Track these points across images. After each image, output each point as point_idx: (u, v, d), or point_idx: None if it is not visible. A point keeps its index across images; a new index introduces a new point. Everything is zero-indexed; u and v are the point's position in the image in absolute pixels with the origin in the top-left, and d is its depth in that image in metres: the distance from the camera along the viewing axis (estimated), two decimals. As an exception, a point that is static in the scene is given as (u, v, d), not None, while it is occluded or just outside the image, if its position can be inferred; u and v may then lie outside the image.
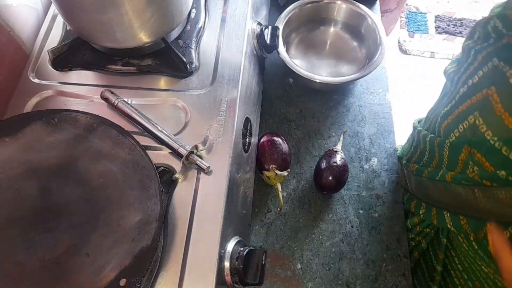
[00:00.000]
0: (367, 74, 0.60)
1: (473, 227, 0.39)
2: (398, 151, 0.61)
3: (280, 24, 0.64)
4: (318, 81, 0.59)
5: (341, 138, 0.60)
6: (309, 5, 0.67)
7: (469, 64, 0.39)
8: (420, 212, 0.50)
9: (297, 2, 0.66)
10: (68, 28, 0.50)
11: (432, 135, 0.46)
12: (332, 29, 0.70)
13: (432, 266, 0.52)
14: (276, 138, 0.56)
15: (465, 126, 0.38)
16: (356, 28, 0.69)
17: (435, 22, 1.90)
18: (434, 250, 0.51)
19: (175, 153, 0.40)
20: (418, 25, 1.90)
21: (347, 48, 0.69)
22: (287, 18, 0.65)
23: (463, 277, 0.47)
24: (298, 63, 0.61)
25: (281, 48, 0.62)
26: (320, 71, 0.66)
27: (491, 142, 0.34)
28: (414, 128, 0.53)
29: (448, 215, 0.43)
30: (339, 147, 0.59)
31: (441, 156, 0.43)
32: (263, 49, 0.55)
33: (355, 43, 0.69)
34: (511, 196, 0.33)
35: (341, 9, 0.68)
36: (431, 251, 0.53)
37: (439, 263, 0.50)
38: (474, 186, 0.37)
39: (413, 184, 0.52)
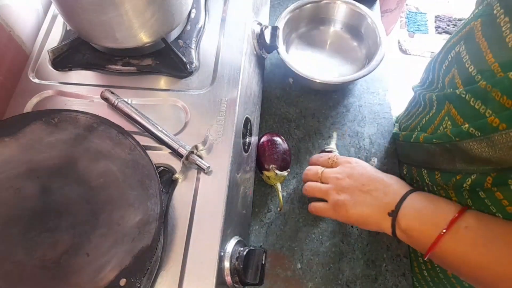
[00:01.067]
0: (367, 74, 0.60)
1: (444, 179, 0.42)
2: (394, 120, 0.64)
3: (280, 24, 0.64)
4: (318, 81, 0.59)
5: (334, 135, 0.61)
6: (309, 5, 0.67)
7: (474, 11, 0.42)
8: (404, 172, 0.54)
9: (297, 2, 0.66)
10: (68, 28, 0.50)
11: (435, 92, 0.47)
12: (332, 29, 0.70)
13: None
14: (276, 138, 0.56)
15: (452, 55, 0.41)
16: (356, 28, 0.69)
17: (435, 22, 1.90)
18: None
19: (175, 153, 0.40)
20: (418, 25, 1.90)
21: (347, 48, 0.69)
22: (287, 18, 0.65)
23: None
24: (298, 63, 0.61)
25: (281, 48, 0.62)
26: (320, 71, 0.66)
27: (460, 94, 0.37)
28: (415, 91, 0.55)
29: (426, 171, 0.47)
30: (333, 145, 0.59)
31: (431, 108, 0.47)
32: (263, 49, 0.55)
33: (355, 43, 0.69)
34: (470, 147, 0.36)
35: (341, 9, 0.68)
36: None
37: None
38: (445, 142, 0.40)
39: (399, 151, 0.58)
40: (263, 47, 0.55)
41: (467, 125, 0.36)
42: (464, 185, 0.38)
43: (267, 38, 0.54)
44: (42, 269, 0.31)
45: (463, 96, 0.37)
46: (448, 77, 0.42)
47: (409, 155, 0.53)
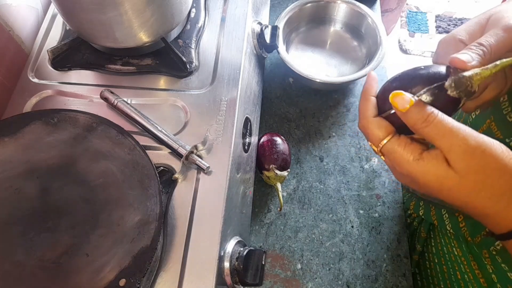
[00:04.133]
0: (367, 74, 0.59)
1: (470, 230, 0.39)
2: None
3: (280, 23, 0.64)
4: (318, 81, 0.59)
5: None
6: (309, 4, 0.67)
7: None
8: (420, 213, 0.50)
9: (297, 2, 0.66)
10: (67, 28, 0.50)
11: None
12: (332, 28, 0.70)
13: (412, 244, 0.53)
14: (276, 138, 0.56)
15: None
16: (356, 27, 0.69)
17: (436, 21, 1.90)
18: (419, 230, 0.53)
19: (175, 153, 0.40)
20: (419, 24, 1.90)
21: (347, 47, 0.69)
22: (287, 17, 0.65)
23: (434, 260, 0.48)
24: (298, 63, 0.61)
25: (281, 48, 0.62)
26: (320, 71, 0.66)
27: (504, 112, 0.34)
28: None
29: (447, 215, 0.43)
30: None
31: None
32: (263, 49, 0.55)
33: (355, 43, 0.69)
34: None
35: (341, 9, 0.68)
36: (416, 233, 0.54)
37: (419, 242, 0.51)
38: None
39: None
40: (263, 46, 0.54)
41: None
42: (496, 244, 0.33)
43: (267, 38, 0.54)
44: (42, 269, 0.31)
45: (504, 113, 0.34)
46: (481, 128, 0.39)
47: None
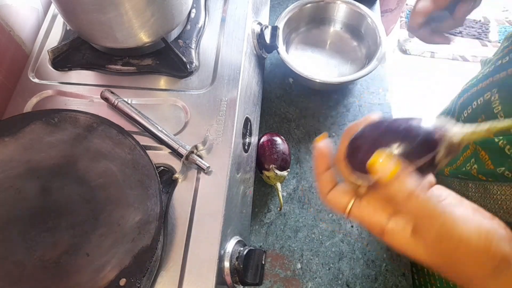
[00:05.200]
0: (367, 74, 0.60)
1: None
2: None
3: (280, 24, 0.64)
4: (318, 81, 0.59)
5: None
6: (309, 5, 0.67)
7: (505, 47, 0.39)
8: None
9: (297, 2, 0.66)
10: (68, 28, 0.50)
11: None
12: (332, 29, 0.70)
13: None
14: (276, 138, 0.56)
15: (478, 103, 0.38)
16: (356, 28, 0.69)
17: (435, 22, 1.90)
18: None
19: (175, 153, 0.40)
20: (418, 25, 1.89)
21: (347, 48, 0.69)
22: (287, 17, 0.65)
23: None
24: (298, 63, 0.61)
25: (281, 48, 0.62)
26: (320, 71, 0.66)
27: (496, 140, 0.34)
28: None
29: None
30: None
31: None
32: (263, 49, 0.55)
33: (355, 43, 0.69)
34: (502, 192, 0.33)
35: (341, 9, 0.68)
36: None
37: None
38: (469, 180, 0.37)
39: None
40: (263, 47, 0.54)
41: (502, 169, 0.33)
42: None
43: (267, 38, 0.54)
44: (42, 269, 0.31)
45: (496, 141, 0.34)
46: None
47: None
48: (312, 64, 0.67)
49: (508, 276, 0.22)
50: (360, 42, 0.68)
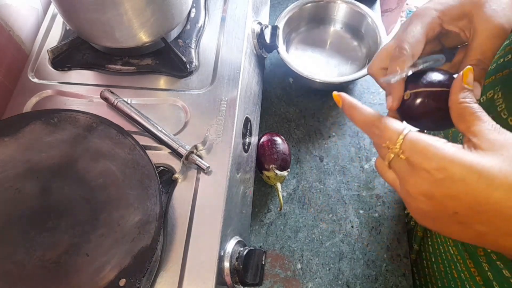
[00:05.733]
0: (367, 74, 0.59)
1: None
2: None
3: (280, 23, 0.64)
4: (318, 81, 0.59)
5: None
6: (309, 4, 0.67)
7: (507, 45, 0.39)
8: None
9: (297, 2, 0.66)
10: (67, 28, 0.50)
11: None
12: (332, 28, 0.70)
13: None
14: (276, 138, 0.56)
15: (481, 101, 0.38)
16: (356, 27, 0.69)
17: (435, 21, 1.90)
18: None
19: (175, 153, 0.40)
20: (418, 24, 1.89)
21: (347, 47, 0.69)
22: (287, 17, 0.65)
23: (430, 259, 0.48)
24: (298, 63, 0.61)
25: (281, 48, 0.62)
26: (320, 71, 0.66)
27: (503, 116, 0.34)
28: None
29: None
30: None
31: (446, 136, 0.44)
32: (263, 49, 0.55)
33: (355, 43, 0.69)
34: None
35: (341, 9, 0.68)
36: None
37: (416, 241, 0.51)
38: None
39: None
40: (263, 46, 0.54)
41: None
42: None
43: (267, 38, 0.54)
44: (42, 269, 0.31)
45: None
46: None
47: None
48: (312, 64, 0.67)
49: None
50: (361, 41, 0.68)
